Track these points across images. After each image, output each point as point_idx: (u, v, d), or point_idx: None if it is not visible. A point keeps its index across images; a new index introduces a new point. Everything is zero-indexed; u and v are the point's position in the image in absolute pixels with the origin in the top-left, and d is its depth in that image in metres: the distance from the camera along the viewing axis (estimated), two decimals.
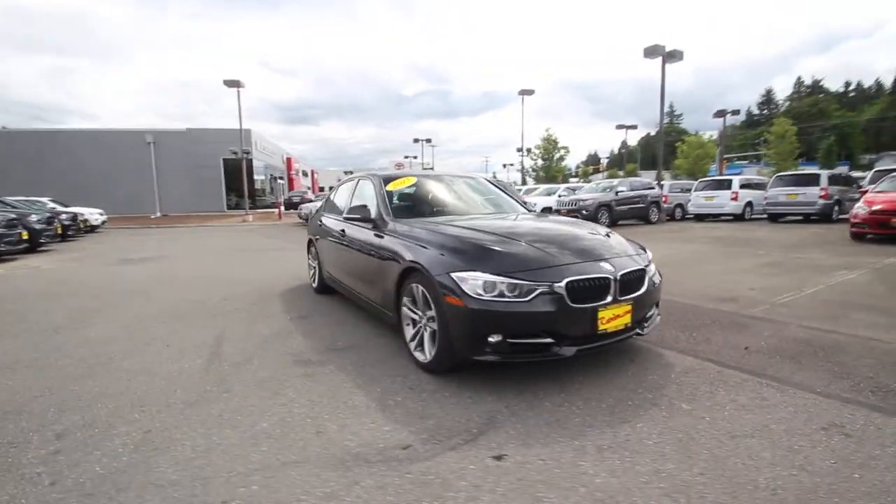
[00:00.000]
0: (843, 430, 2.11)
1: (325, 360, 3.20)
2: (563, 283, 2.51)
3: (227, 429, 2.28)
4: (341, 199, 4.90)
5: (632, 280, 2.78)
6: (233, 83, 21.25)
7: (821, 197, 13.61)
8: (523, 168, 28.07)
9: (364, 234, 3.84)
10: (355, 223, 3.93)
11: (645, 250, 3.20)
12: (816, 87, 70.64)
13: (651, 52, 16.29)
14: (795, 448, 1.98)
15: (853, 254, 7.34)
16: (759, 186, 16.48)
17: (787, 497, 1.67)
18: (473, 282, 2.53)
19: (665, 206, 17.22)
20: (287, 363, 3.18)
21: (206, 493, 1.77)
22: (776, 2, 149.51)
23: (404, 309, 3.11)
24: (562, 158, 30.58)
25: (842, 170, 24.26)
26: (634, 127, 32.29)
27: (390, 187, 4.03)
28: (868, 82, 73.62)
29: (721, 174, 30.59)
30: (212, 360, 3.27)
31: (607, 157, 78.75)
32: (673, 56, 16.41)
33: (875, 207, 8.47)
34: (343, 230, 4.33)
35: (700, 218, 17.02)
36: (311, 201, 24.33)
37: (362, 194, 4.29)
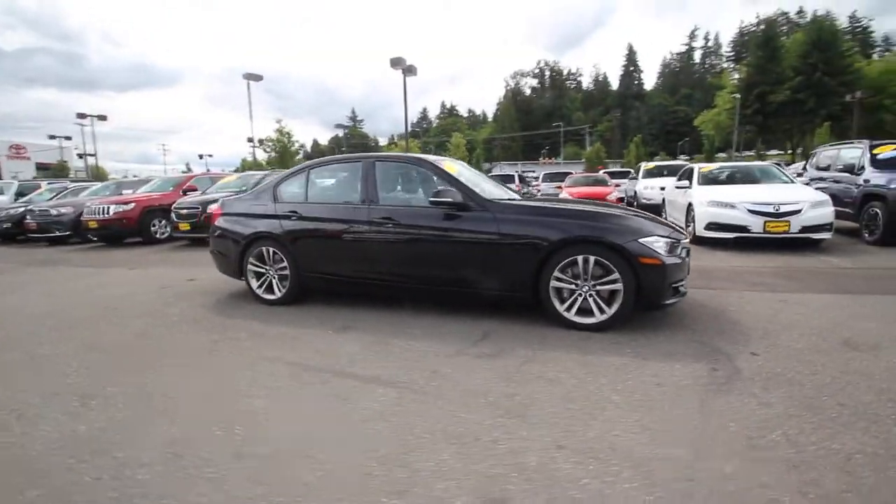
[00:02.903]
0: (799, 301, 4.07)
1: (501, 350, 3.05)
2: (688, 239, 3.55)
3: (613, 426, 2.20)
4: (340, 187, 4.14)
5: None
6: None
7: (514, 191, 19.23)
8: (255, 160, 25.35)
9: (442, 222, 3.61)
10: (442, 209, 3.59)
11: None
12: (453, 110, 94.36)
13: (395, 63, 18.34)
14: (840, 308, 3.72)
15: None
16: None
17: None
18: (657, 244, 3.21)
19: None
20: (483, 369, 2.85)
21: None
22: (424, 44, 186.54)
23: (554, 283, 3.36)
24: (297, 153, 29.42)
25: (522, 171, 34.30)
26: (347, 127, 34.73)
27: (450, 171, 3.87)
28: (478, 111, 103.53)
29: None
30: (383, 398, 2.55)
31: (300, 153, 79.49)
32: (410, 70, 19.03)
33: (568, 196, 13.08)
34: (388, 218, 3.77)
35: None
36: None
37: (414, 180, 3.87)
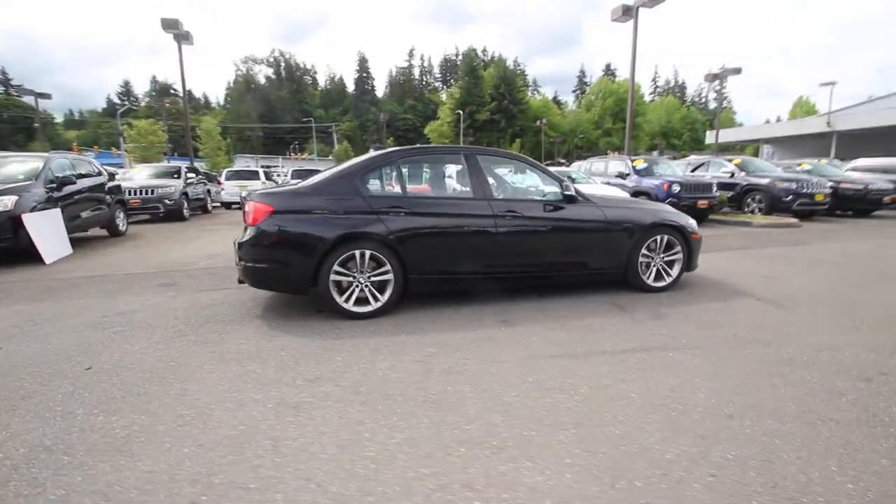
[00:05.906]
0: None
1: (659, 315, 3.78)
2: None
3: None
4: (439, 179, 3.88)
5: None
6: None
7: None
8: None
9: (556, 212, 4.02)
10: (561, 202, 3.94)
11: None
12: (170, 89, 77.93)
13: (168, 25, 14.49)
14: (727, 261, 5.87)
15: None
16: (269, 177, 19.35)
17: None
18: (694, 223, 4.57)
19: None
20: (684, 326, 3.51)
21: None
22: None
23: (641, 258, 4.30)
24: None
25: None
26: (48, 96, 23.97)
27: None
28: (199, 94, 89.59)
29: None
30: (690, 361, 2.99)
31: None
32: (186, 38, 15.45)
33: None
34: (511, 211, 3.83)
35: (228, 206, 17.47)
36: None
37: (513, 174, 3.98)
